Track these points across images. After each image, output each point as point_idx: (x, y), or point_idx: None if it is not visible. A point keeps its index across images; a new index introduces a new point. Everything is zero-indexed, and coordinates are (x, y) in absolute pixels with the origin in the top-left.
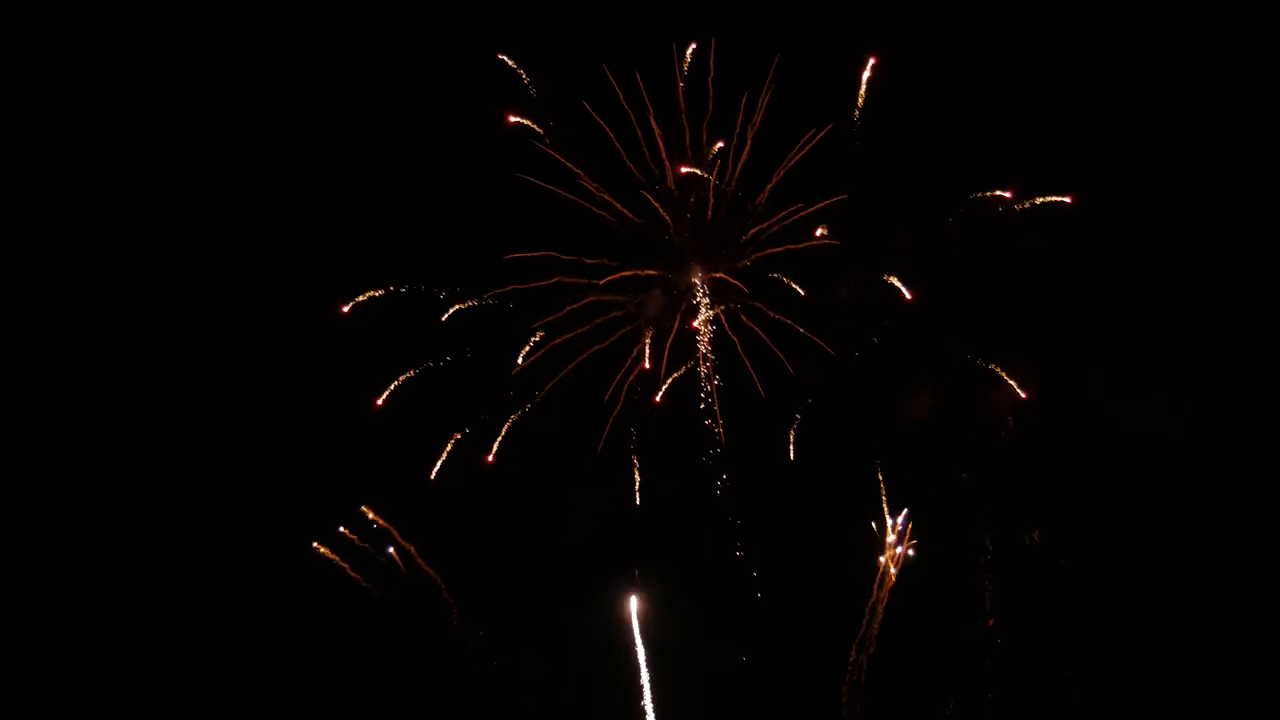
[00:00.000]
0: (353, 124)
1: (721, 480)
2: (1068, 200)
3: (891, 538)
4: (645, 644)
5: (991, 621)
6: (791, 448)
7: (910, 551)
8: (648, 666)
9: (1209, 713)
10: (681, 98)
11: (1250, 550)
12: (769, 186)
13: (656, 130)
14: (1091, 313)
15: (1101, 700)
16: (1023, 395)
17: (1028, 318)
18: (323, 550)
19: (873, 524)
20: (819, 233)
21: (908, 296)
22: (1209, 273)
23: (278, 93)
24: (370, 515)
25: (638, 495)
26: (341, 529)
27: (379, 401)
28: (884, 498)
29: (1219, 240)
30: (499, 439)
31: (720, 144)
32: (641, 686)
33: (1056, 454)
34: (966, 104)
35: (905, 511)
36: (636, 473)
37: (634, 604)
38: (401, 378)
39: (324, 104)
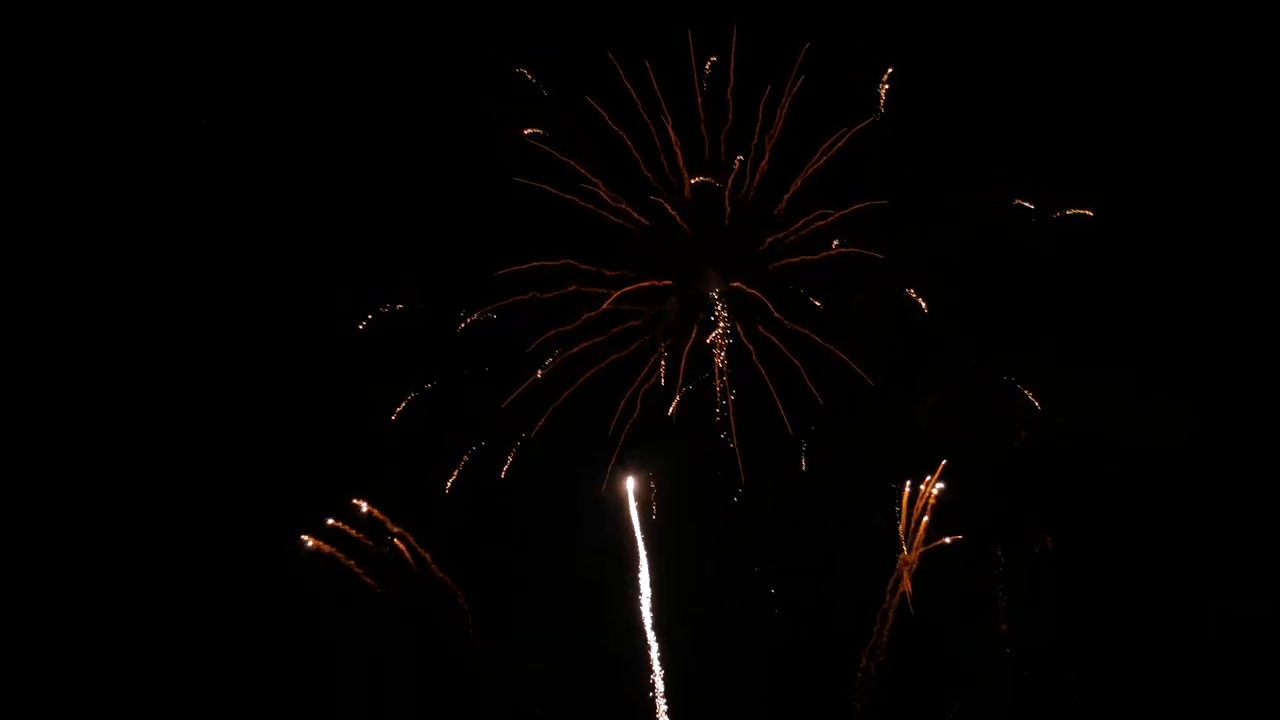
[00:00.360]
0: (364, 124)
1: (737, 495)
2: (1089, 213)
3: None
4: (659, 643)
5: (1005, 626)
6: (803, 459)
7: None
8: (661, 664)
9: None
10: (698, 92)
11: (1256, 552)
12: (787, 197)
13: (671, 131)
14: (1100, 317)
15: (1108, 704)
16: (1038, 405)
17: (1040, 323)
18: (324, 546)
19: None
20: (836, 243)
21: (924, 308)
22: (1215, 276)
23: (280, 94)
24: (377, 514)
25: (654, 507)
26: (332, 521)
27: (392, 416)
28: (901, 505)
29: (1225, 245)
30: (511, 456)
31: (740, 157)
32: (653, 683)
33: (1067, 459)
34: (981, 111)
35: (945, 463)
36: (652, 483)
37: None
38: (412, 395)
39: (331, 105)
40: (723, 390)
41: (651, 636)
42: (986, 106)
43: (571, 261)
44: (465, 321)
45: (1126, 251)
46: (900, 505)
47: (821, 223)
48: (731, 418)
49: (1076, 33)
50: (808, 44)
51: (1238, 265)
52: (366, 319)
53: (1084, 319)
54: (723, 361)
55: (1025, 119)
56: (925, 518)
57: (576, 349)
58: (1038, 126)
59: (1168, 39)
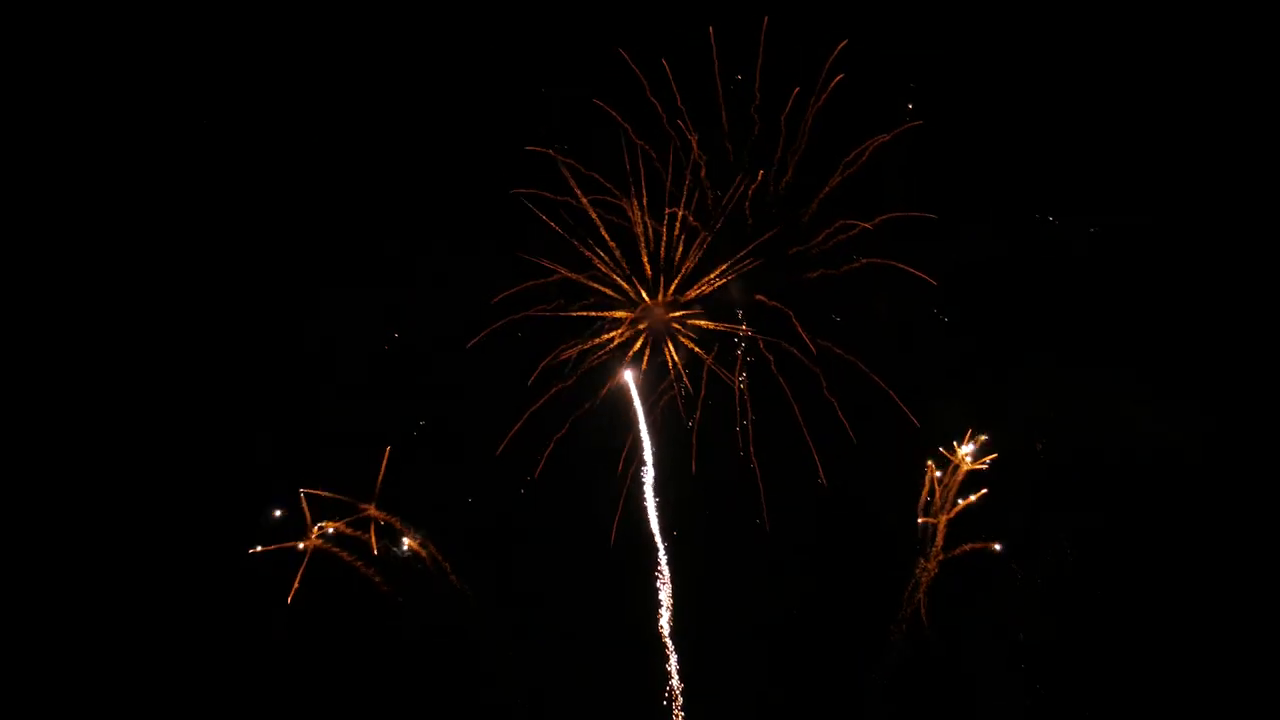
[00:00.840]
0: (370, 132)
1: (760, 520)
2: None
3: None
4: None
5: (1023, 636)
6: (821, 470)
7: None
8: (679, 674)
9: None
10: (720, 95)
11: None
12: (814, 206)
13: (696, 144)
14: (1114, 322)
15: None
16: (1053, 414)
17: (1054, 330)
18: (346, 556)
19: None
20: (860, 260)
21: (945, 320)
22: (1227, 280)
23: (282, 96)
24: (397, 524)
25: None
26: (334, 525)
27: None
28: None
29: (1237, 249)
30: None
31: (762, 171)
32: (670, 690)
33: (1085, 465)
34: (998, 123)
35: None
36: (671, 496)
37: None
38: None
39: (335, 108)
40: (742, 409)
41: (670, 646)
42: (1002, 118)
43: (601, 266)
44: (485, 333)
45: (1141, 258)
46: (918, 511)
47: (843, 236)
48: (752, 448)
49: (1081, 37)
50: (845, 41)
51: (1250, 269)
52: (394, 336)
53: (1099, 324)
54: (743, 383)
55: (1039, 129)
56: (958, 500)
57: (597, 360)
58: (1051, 136)
59: (1180, 48)
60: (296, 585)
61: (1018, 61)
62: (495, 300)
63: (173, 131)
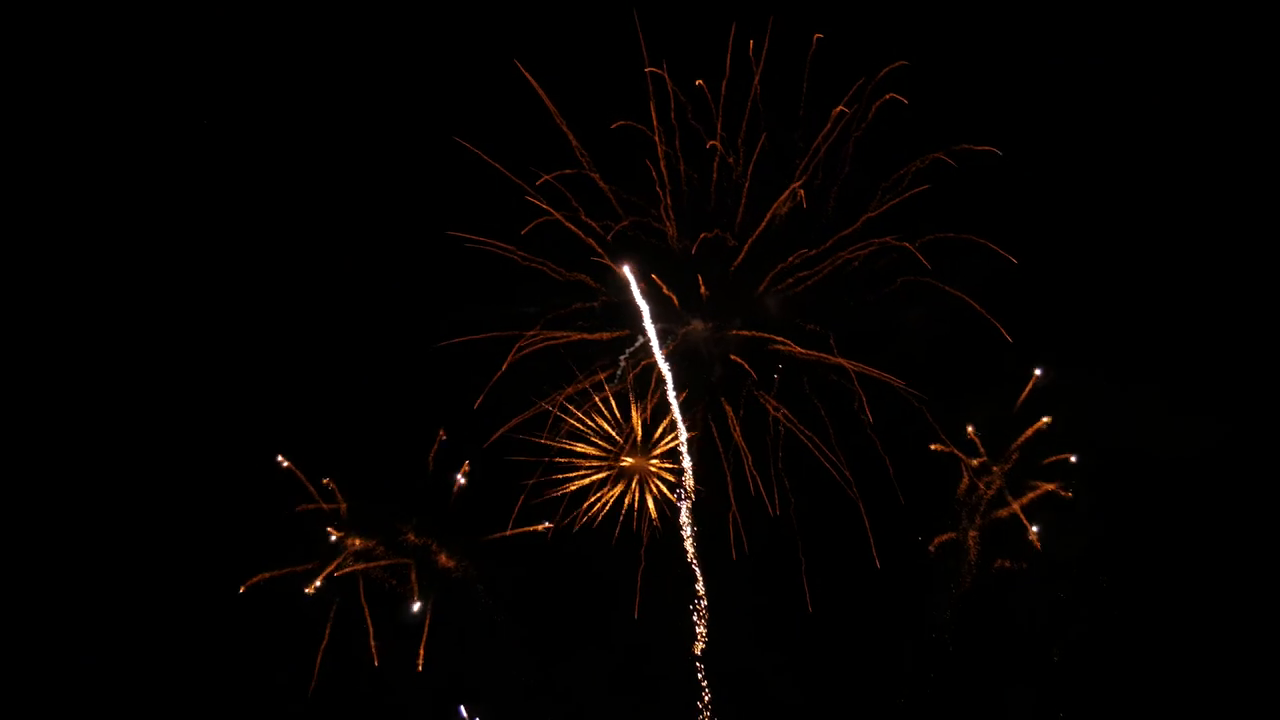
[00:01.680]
0: (406, 148)
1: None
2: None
3: None
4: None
5: (1057, 657)
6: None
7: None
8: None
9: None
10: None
11: None
12: (861, 221)
13: (732, 159)
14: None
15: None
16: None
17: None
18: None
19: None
20: (900, 280)
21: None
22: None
23: (284, 96)
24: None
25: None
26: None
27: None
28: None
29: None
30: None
31: (803, 193)
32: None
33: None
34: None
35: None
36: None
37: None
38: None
39: (338, 110)
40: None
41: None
42: (1038, 132)
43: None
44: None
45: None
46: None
47: (883, 262)
48: (787, 481)
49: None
50: (902, 61)
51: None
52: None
53: (1128, 337)
54: (782, 418)
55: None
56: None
57: (631, 382)
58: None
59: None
60: (332, 616)
61: (1049, 79)
62: (550, 316)
63: (176, 132)
